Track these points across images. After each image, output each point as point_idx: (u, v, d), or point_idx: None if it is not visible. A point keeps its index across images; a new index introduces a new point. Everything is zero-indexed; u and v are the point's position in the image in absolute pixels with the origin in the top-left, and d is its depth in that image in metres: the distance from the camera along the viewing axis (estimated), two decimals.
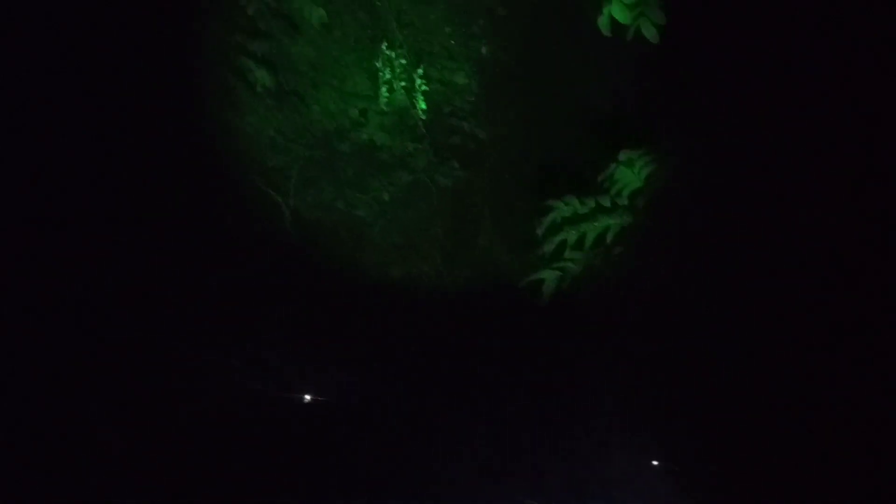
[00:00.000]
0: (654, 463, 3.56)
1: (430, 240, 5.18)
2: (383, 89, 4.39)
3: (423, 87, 4.40)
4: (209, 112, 4.51)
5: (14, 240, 3.15)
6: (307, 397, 4.07)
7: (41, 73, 3.43)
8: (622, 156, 3.89)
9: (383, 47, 4.38)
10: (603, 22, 3.20)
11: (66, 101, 3.56)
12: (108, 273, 3.60)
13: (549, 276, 3.96)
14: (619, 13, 3.15)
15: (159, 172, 4.05)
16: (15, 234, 3.17)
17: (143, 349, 3.49)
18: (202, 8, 4.09)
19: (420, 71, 4.42)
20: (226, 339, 3.99)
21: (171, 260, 3.98)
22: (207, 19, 4.14)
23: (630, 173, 3.91)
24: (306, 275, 4.62)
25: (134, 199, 3.94)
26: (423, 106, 4.41)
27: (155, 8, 3.74)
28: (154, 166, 4.05)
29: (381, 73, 4.38)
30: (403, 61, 4.43)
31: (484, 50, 4.88)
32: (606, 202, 3.94)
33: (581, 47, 4.63)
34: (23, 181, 3.31)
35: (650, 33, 3.16)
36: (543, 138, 4.93)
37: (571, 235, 3.95)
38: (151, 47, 3.84)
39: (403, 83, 4.44)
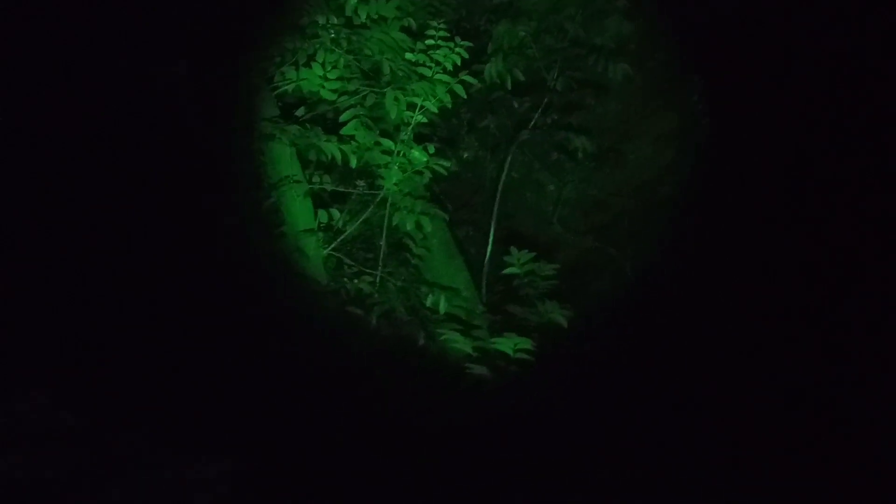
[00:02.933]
0: None
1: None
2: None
3: None
4: (533, 183, 4.80)
5: None
6: None
7: None
8: None
9: (695, 79, 4.25)
10: None
11: None
12: None
13: None
14: None
15: None
16: None
17: None
18: (518, 95, 4.41)
19: None
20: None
21: None
22: (523, 104, 4.44)
23: None
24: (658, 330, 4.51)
25: None
26: None
27: None
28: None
29: (698, 105, 4.23)
30: None
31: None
32: None
33: None
34: None
35: None
36: None
37: None
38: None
39: None
